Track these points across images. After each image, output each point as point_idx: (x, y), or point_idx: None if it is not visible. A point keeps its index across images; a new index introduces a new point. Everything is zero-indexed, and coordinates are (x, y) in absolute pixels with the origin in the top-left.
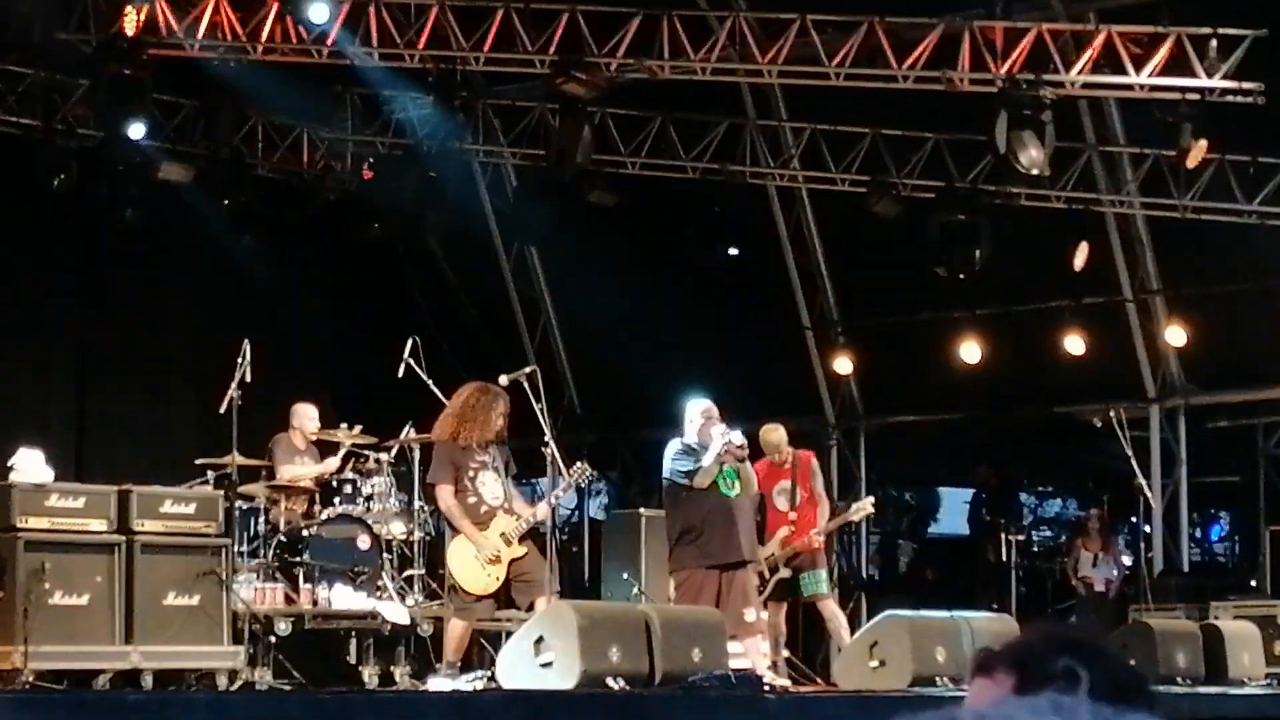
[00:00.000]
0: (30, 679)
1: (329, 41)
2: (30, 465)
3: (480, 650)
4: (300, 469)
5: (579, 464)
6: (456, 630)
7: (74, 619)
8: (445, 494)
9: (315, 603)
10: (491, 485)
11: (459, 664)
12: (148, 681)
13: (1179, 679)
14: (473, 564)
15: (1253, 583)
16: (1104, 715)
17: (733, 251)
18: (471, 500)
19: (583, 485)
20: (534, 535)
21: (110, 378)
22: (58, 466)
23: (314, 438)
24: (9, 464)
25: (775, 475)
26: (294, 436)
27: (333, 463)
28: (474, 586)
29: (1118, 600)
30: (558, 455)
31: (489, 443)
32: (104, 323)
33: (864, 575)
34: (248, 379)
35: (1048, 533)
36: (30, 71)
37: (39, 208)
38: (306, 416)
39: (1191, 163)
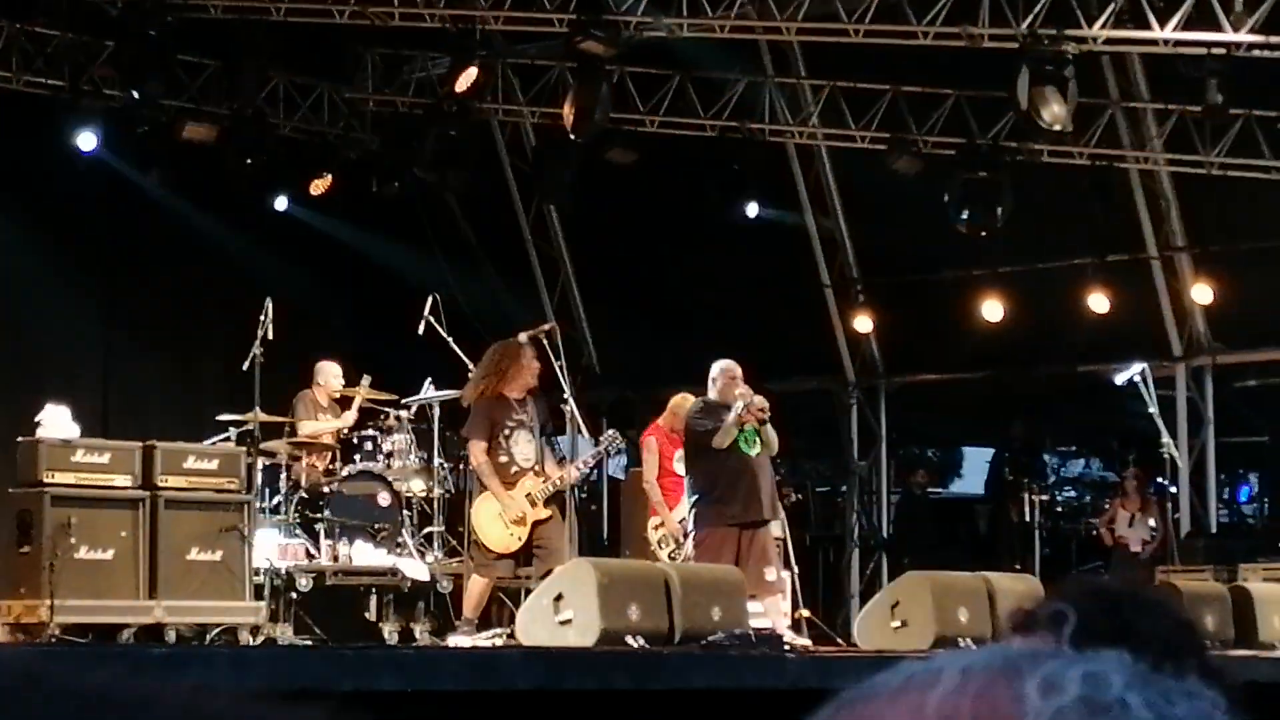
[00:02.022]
0: (56, 633)
1: (350, 1)
2: (56, 421)
3: (500, 607)
4: (319, 424)
5: (609, 432)
6: (476, 586)
7: (99, 573)
8: (477, 450)
9: (336, 559)
10: (524, 446)
11: (477, 620)
12: (171, 636)
13: (1208, 642)
14: (496, 521)
15: None
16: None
17: (759, 212)
18: (503, 459)
19: (612, 454)
20: (559, 501)
21: (135, 335)
22: (84, 422)
23: (337, 395)
24: (36, 420)
25: (677, 443)
26: (317, 394)
27: (350, 416)
28: (496, 544)
29: (1150, 561)
30: (577, 413)
31: (526, 396)
32: (129, 281)
33: (884, 535)
34: (270, 337)
35: (1071, 492)
36: (56, 33)
37: (65, 167)
38: (331, 374)
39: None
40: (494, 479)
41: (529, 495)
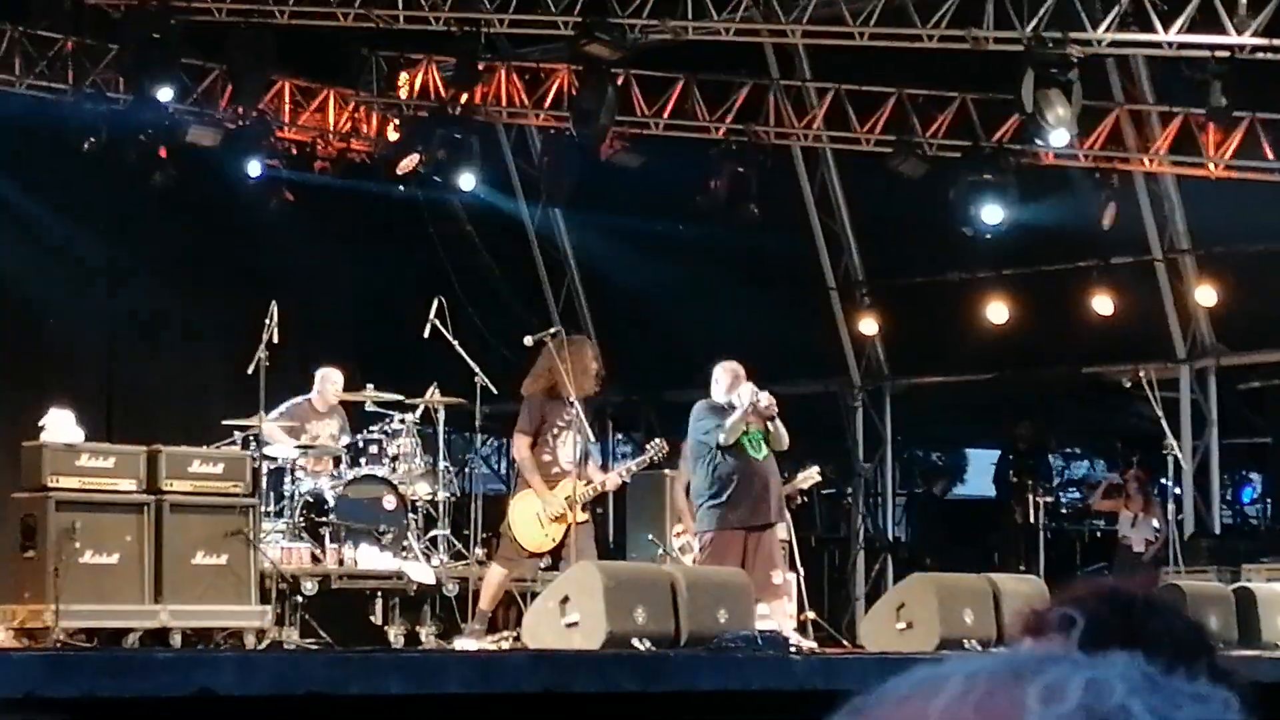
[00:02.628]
0: (61, 637)
1: (355, 4)
2: (61, 425)
3: (507, 609)
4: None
5: (655, 441)
6: (495, 577)
7: (104, 578)
8: (522, 444)
9: (341, 562)
10: (569, 448)
11: (490, 614)
12: (176, 640)
13: (1218, 643)
14: (533, 520)
15: None
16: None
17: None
18: (546, 458)
19: (658, 461)
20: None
21: (140, 339)
22: (88, 427)
23: (336, 400)
24: (40, 424)
25: None
26: (315, 401)
27: (330, 427)
28: (529, 542)
29: (1153, 562)
30: (583, 417)
31: (582, 398)
32: (134, 285)
33: (890, 537)
34: (275, 340)
35: (1076, 494)
36: (60, 36)
37: (70, 171)
38: (330, 381)
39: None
40: (535, 475)
41: (568, 498)
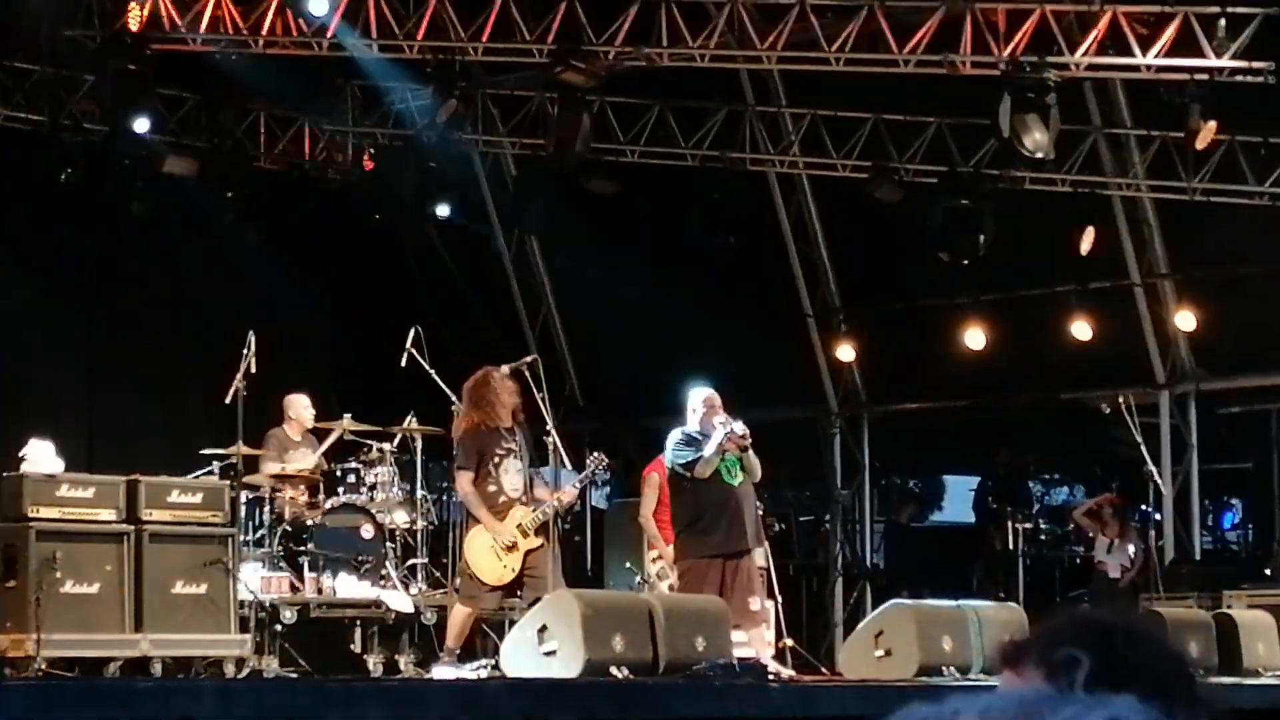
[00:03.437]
0: (42, 667)
1: (329, 34)
2: (41, 456)
3: (484, 639)
4: (280, 465)
5: (594, 455)
6: (459, 616)
7: (84, 607)
8: (464, 480)
9: (320, 591)
10: (513, 476)
11: (459, 650)
12: (157, 669)
13: (1199, 672)
14: (490, 554)
15: (1267, 571)
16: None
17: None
18: (491, 489)
19: (599, 477)
20: (547, 531)
21: (119, 369)
22: (68, 457)
23: (309, 427)
24: (20, 455)
25: None
26: (289, 429)
27: (311, 460)
28: (488, 576)
29: (1130, 588)
30: (559, 445)
31: (514, 426)
32: (112, 315)
33: (868, 564)
34: (253, 370)
35: (1054, 520)
36: (37, 68)
37: (47, 202)
38: (300, 405)
39: (1200, 144)
40: (482, 508)
41: (519, 525)
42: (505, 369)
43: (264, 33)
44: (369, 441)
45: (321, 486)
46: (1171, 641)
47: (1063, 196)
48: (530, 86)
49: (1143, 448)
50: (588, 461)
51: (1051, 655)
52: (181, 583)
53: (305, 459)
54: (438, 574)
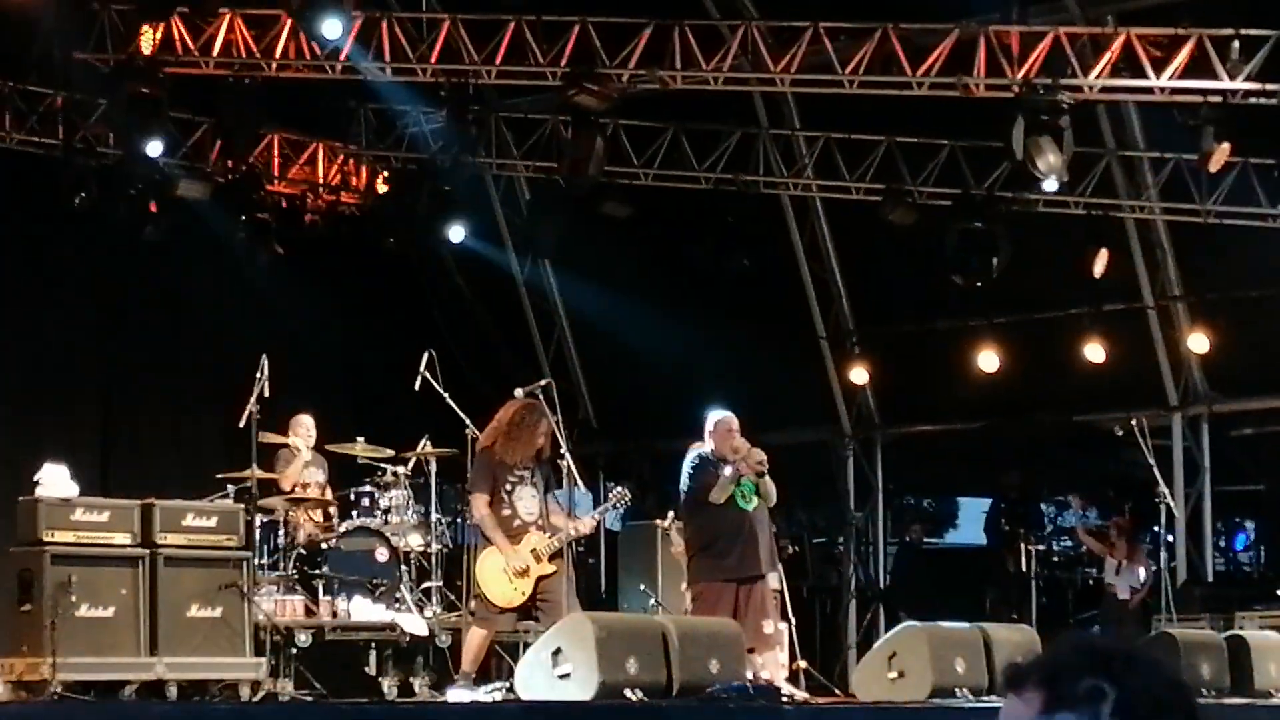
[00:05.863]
0: (58, 690)
1: (342, 57)
2: (56, 480)
3: (499, 661)
4: (294, 470)
5: (618, 489)
6: (475, 639)
7: (100, 631)
8: (479, 503)
9: (335, 614)
10: (527, 501)
11: (474, 674)
12: (172, 692)
13: (1204, 691)
14: (500, 576)
15: (1278, 592)
16: None
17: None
18: (506, 513)
19: (621, 511)
20: (562, 556)
21: (133, 393)
22: (82, 481)
23: (311, 443)
24: (35, 479)
25: None
26: (296, 449)
27: (318, 476)
28: (499, 598)
29: (1140, 610)
30: (574, 467)
31: (531, 459)
32: (126, 339)
33: (881, 585)
34: (266, 394)
35: (1068, 543)
36: (50, 92)
37: (61, 226)
38: (302, 426)
39: (1214, 166)
40: (497, 532)
41: (534, 550)
42: (519, 393)
43: (277, 56)
44: (383, 465)
45: (335, 510)
46: (1171, 667)
47: (1076, 219)
48: (544, 109)
49: (1155, 469)
50: (610, 495)
51: (1076, 683)
52: (196, 606)
53: (315, 477)
54: (452, 597)
